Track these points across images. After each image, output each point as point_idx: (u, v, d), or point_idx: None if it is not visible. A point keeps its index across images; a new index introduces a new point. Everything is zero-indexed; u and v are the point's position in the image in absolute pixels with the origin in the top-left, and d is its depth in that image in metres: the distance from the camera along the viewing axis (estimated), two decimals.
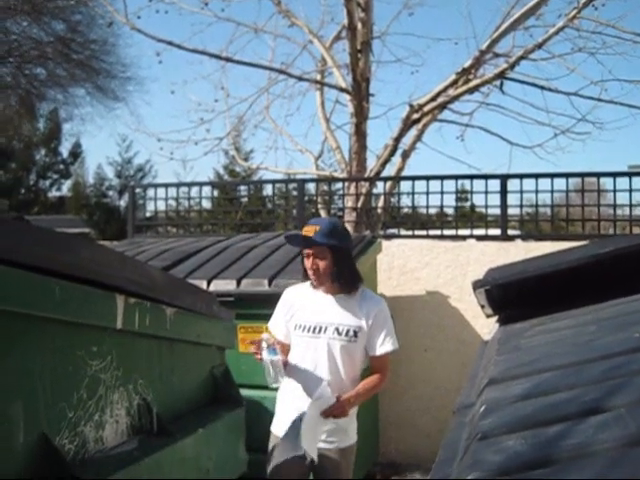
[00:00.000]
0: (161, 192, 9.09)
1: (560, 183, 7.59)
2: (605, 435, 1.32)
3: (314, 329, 3.60)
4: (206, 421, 3.47)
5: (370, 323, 3.60)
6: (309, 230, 3.54)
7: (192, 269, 5.42)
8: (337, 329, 3.58)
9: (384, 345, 3.64)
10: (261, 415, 4.72)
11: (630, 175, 7.75)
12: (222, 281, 5.12)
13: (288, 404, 3.63)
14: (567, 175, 7.73)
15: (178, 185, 9.68)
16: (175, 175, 26.87)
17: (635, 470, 1.15)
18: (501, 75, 10.60)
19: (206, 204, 11.00)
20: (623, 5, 25.89)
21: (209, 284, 5.10)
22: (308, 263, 3.58)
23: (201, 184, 9.42)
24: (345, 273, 3.61)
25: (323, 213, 9.73)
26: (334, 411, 3.43)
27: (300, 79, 11.55)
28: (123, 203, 30.04)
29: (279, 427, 3.63)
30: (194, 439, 3.26)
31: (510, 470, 1.28)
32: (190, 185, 9.45)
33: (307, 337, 3.61)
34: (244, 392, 4.18)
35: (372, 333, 3.62)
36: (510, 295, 4.05)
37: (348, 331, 3.57)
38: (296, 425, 3.37)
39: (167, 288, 3.22)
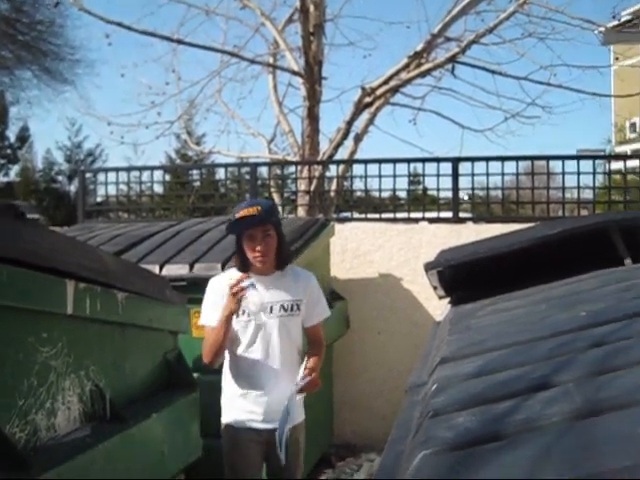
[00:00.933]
0: (112, 177, 8.95)
1: (510, 166, 7.71)
2: (553, 410, 1.35)
3: (259, 309, 3.59)
4: (160, 406, 3.45)
5: (307, 297, 3.72)
6: (252, 210, 3.47)
7: (144, 254, 5.36)
8: (283, 306, 3.63)
9: (321, 314, 3.84)
10: (216, 400, 4.71)
11: (578, 158, 7.89)
12: (175, 265, 5.08)
13: (244, 393, 3.62)
14: (517, 158, 7.83)
15: (129, 169, 9.55)
16: (126, 159, 26.46)
17: (581, 442, 1.18)
18: (453, 59, 10.65)
19: (158, 188, 10.89)
20: None
21: (161, 269, 5.05)
22: (254, 244, 3.49)
23: (153, 168, 9.31)
24: (285, 250, 3.73)
25: (276, 197, 9.71)
26: (312, 387, 3.54)
27: (252, 62, 11.45)
28: (73, 188, 29.51)
29: (235, 418, 3.64)
30: (148, 424, 3.24)
31: (461, 445, 1.30)
32: (141, 169, 9.33)
33: (255, 320, 3.58)
34: (198, 377, 4.16)
35: (310, 305, 3.73)
36: (462, 276, 4.10)
37: (292, 306, 3.65)
38: (284, 420, 3.37)
39: (119, 273, 3.19)
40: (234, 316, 3.49)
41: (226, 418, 3.68)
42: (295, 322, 3.69)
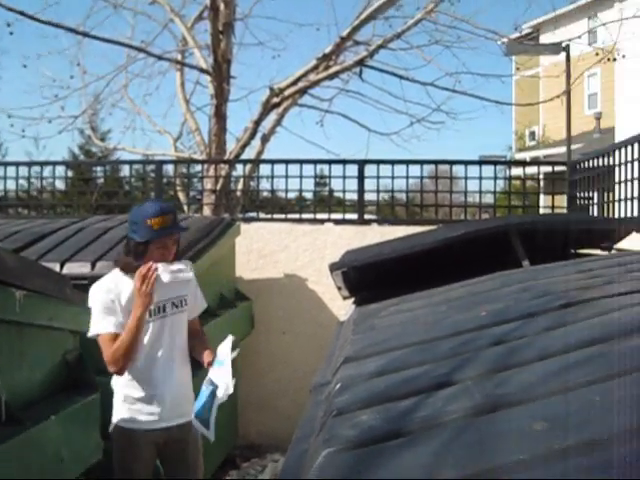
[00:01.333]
0: (11, 171, 8.68)
1: (415, 170, 7.87)
2: (453, 407, 1.38)
3: (157, 311, 3.55)
4: (59, 408, 3.35)
5: (191, 291, 3.75)
6: (169, 219, 3.52)
7: (45, 251, 5.20)
8: (173, 303, 3.62)
9: (201, 305, 3.90)
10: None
11: (480, 164, 8.12)
12: (76, 264, 4.94)
13: (140, 394, 3.55)
14: (422, 162, 8.00)
15: (30, 164, 9.27)
16: (27, 154, 25.61)
17: (479, 438, 1.21)
18: (361, 63, 10.78)
19: (60, 185, 10.58)
20: (478, 2, 26.92)
21: (62, 267, 4.91)
22: (165, 252, 3.52)
23: (54, 163, 9.06)
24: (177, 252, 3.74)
25: (182, 195, 9.59)
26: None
27: (160, 58, 11.27)
28: None
29: (130, 419, 3.55)
30: (46, 426, 3.14)
31: (364, 443, 1.31)
32: (43, 164, 9.06)
33: (151, 321, 3.53)
34: (99, 378, 4.07)
35: (192, 299, 3.77)
36: (366, 277, 4.15)
37: (181, 301, 3.65)
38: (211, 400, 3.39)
39: (17, 270, 3.08)
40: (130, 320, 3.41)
41: (119, 419, 3.58)
42: (183, 317, 3.68)
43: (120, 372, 3.47)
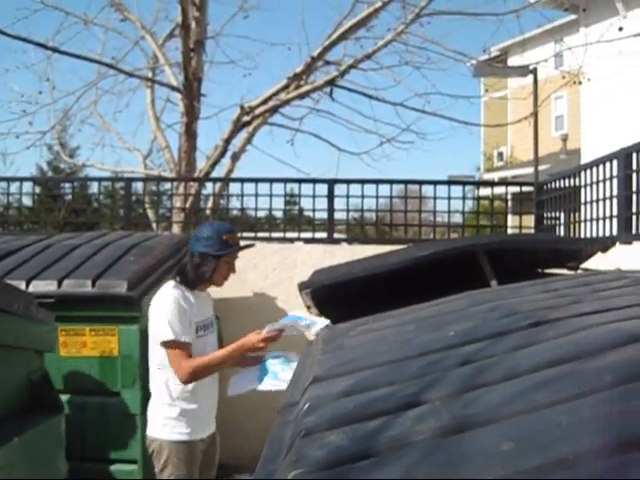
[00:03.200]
0: None
1: (385, 189, 7.90)
2: (421, 427, 1.38)
3: (206, 327, 3.87)
4: (22, 429, 3.30)
5: None
6: (238, 236, 4.08)
7: (10, 269, 5.13)
8: (211, 321, 3.99)
9: None
10: (82, 421, 4.55)
11: (449, 184, 8.19)
12: (42, 282, 4.89)
13: (194, 407, 3.77)
14: (391, 182, 8.05)
15: None
16: None
17: (447, 459, 1.21)
18: (331, 82, 10.84)
19: (27, 201, 10.46)
20: (447, 25, 27.28)
21: (28, 285, 4.85)
22: (231, 267, 3.95)
23: (21, 179, 8.97)
24: None
25: (150, 213, 9.54)
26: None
27: (130, 75, 11.25)
28: None
29: (188, 432, 3.75)
30: (9, 448, 3.09)
31: (332, 464, 1.30)
32: (9, 180, 8.96)
33: (204, 336, 3.83)
34: (64, 398, 4.01)
35: None
36: (335, 296, 4.15)
37: (214, 320, 4.05)
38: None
39: None
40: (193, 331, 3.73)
41: (176, 435, 3.73)
42: (216, 336, 4.06)
43: (186, 384, 3.68)
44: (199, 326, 3.78)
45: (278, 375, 3.70)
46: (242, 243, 4.08)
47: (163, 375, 3.72)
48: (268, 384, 3.68)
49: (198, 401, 3.78)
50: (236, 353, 3.71)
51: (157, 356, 3.73)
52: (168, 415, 3.72)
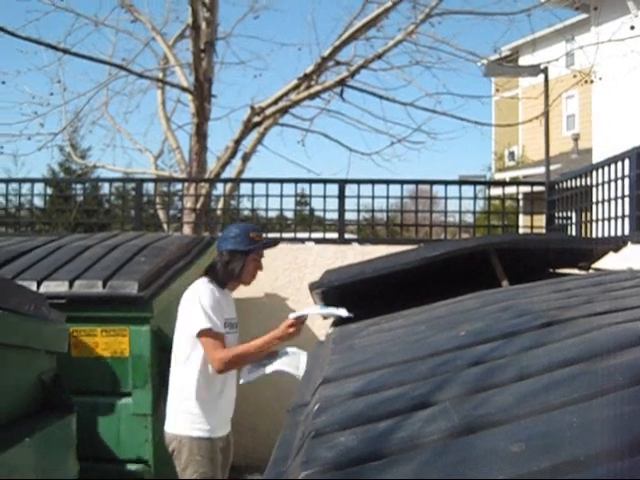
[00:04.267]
0: None
1: (395, 189, 7.94)
2: (432, 428, 1.37)
3: (232, 325, 3.95)
4: (34, 429, 3.31)
5: None
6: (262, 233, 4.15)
7: (21, 269, 5.15)
8: (236, 323, 4.04)
9: None
10: (94, 422, 4.57)
11: (460, 184, 8.17)
12: (53, 282, 4.89)
13: (216, 404, 3.85)
14: (402, 182, 8.02)
15: (7, 181, 9.20)
16: (5, 171, 25.51)
17: (457, 460, 1.21)
18: (342, 83, 10.83)
19: (38, 202, 10.51)
20: (457, 24, 27.24)
21: (39, 285, 4.86)
22: (259, 264, 4.05)
23: (33, 180, 8.99)
24: None
25: (161, 214, 9.56)
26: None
27: (141, 76, 11.26)
28: None
29: (210, 429, 3.79)
30: (21, 449, 3.10)
31: (342, 465, 1.30)
32: (21, 181, 8.99)
33: (231, 334, 3.89)
34: (76, 398, 4.02)
35: None
36: (346, 296, 4.14)
37: (237, 322, 4.06)
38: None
39: None
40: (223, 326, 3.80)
41: (197, 432, 3.76)
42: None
43: (222, 372, 3.74)
44: (228, 323, 3.86)
45: (289, 357, 3.85)
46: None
47: (188, 370, 3.77)
48: (277, 364, 3.80)
49: (220, 397, 3.85)
50: (271, 343, 3.80)
51: (184, 350, 3.79)
52: (190, 411, 3.76)
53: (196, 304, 3.74)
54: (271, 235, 8.02)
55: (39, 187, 9.02)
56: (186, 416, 3.77)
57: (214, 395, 3.82)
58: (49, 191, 10.51)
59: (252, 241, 3.95)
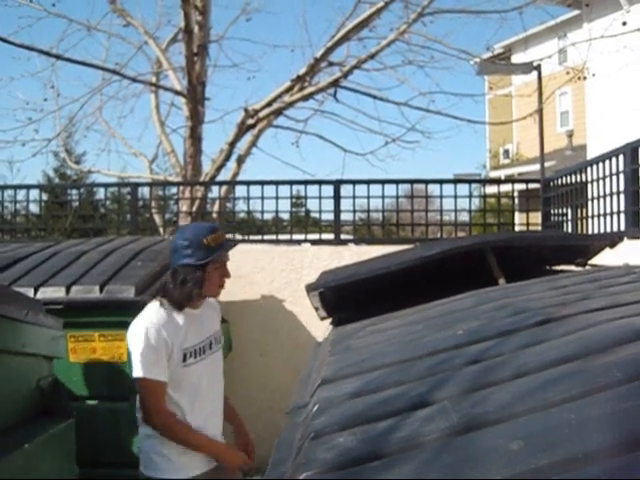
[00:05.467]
0: None
1: (391, 189, 7.95)
2: (430, 427, 1.37)
3: (203, 350, 3.28)
4: (32, 435, 3.30)
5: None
6: (222, 234, 3.34)
7: (18, 276, 5.15)
8: (215, 338, 3.40)
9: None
10: (93, 427, 4.56)
11: (455, 182, 8.17)
12: (50, 288, 4.89)
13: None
14: (397, 182, 8.03)
15: (3, 188, 9.18)
16: (1, 177, 25.50)
17: (457, 458, 1.21)
18: (335, 83, 10.85)
19: (34, 208, 10.47)
20: (449, 23, 27.28)
21: (36, 291, 4.86)
22: (224, 272, 3.32)
23: (28, 187, 8.99)
24: None
25: (157, 218, 9.55)
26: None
27: (134, 80, 11.28)
28: None
29: (190, 473, 3.20)
30: (20, 455, 3.09)
31: (342, 466, 1.30)
32: (16, 188, 8.99)
33: (199, 362, 3.25)
34: (74, 404, 4.02)
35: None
36: (343, 297, 4.14)
37: (218, 337, 3.46)
38: None
39: None
40: (180, 360, 3.16)
41: (175, 471, 3.18)
42: (220, 354, 3.50)
43: (149, 425, 3.17)
44: (189, 352, 3.20)
45: None
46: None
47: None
48: None
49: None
50: (212, 452, 3.23)
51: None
52: (157, 450, 3.20)
53: (131, 345, 3.14)
54: (267, 237, 8.03)
55: (34, 193, 9.06)
56: (152, 456, 3.21)
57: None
58: (45, 197, 10.48)
59: (208, 249, 3.15)
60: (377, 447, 1.35)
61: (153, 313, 3.18)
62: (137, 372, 3.09)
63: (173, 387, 3.16)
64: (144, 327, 3.11)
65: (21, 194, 8.75)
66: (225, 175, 10.71)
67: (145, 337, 3.07)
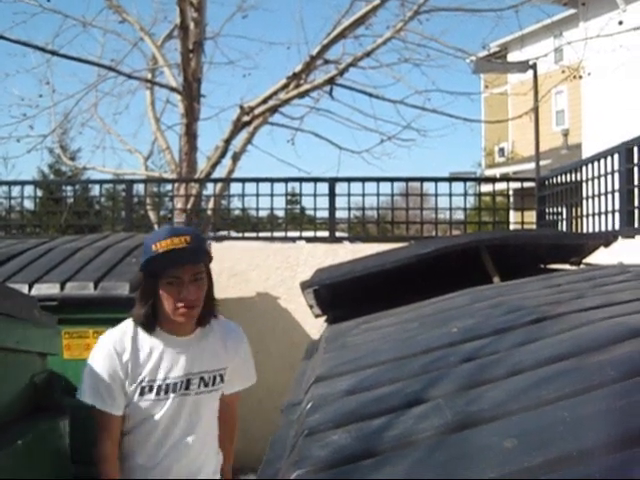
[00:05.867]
0: None
1: (386, 187, 7.90)
2: (425, 424, 1.37)
3: (173, 388, 2.66)
4: (26, 432, 3.29)
5: (236, 360, 2.87)
6: (179, 241, 2.48)
7: (12, 272, 5.13)
8: (203, 379, 2.71)
9: (248, 380, 3.03)
10: (87, 424, 4.55)
11: (450, 181, 8.18)
12: (45, 285, 4.87)
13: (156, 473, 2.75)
14: (392, 180, 8.04)
15: None
16: None
17: (451, 456, 1.21)
18: (331, 81, 10.84)
19: (29, 204, 10.47)
20: (445, 21, 27.32)
21: (31, 288, 4.85)
22: (179, 291, 2.54)
23: (23, 183, 8.96)
24: (214, 299, 2.80)
25: (152, 215, 9.54)
26: None
27: (130, 77, 11.25)
28: None
29: None
30: (13, 452, 3.08)
31: (335, 463, 1.30)
32: (11, 184, 8.96)
33: (163, 402, 2.67)
34: (69, 400, 4.01)
35: (236, 370, 2.89)
36: (338, 295, 4.14)
37: (215, 378, 2.75)
38: None
39: None
40: (136, 393, 2.67)
41: None
42: (215, 398, 2.84)
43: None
44: (151, 386, 2.65)
45: None
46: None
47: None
48: None
49: (154, 468, 2.75)
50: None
51: None
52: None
53: (89, 360, 2.74)
54: (262, 234, 8.01)
55: (29, 189, 9.05)
56: None
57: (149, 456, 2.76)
58: (39, 193, 10.47)
59: (155, 258, 2.51)
60: (371, 445, 1.35)
61: (120, 332, 2.69)
62: (85, 396, 2.71)
63: (129, 419, 2.75)
64: (105, 348, 2.65)
65: (16, 190, 8.73)
66: (220, 172, 10.71)
67: (102, 359, 2.64)
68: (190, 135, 10.17)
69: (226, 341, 2.82)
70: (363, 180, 7.86)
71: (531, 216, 8.15)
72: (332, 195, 7.74)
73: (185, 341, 2.70)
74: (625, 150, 5.52)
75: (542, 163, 10.74)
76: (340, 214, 8.01)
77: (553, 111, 22.93)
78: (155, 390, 2.63)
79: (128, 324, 2.70)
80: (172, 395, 2.65)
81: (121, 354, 2.63)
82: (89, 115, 12.37)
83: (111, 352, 2.63)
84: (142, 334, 2.66)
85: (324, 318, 4.34)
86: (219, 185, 9.47)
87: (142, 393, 2.64)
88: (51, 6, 10.83)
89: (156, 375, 2.64)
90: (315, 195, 7.78)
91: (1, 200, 8.80)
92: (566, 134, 21.13)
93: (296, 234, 7.93)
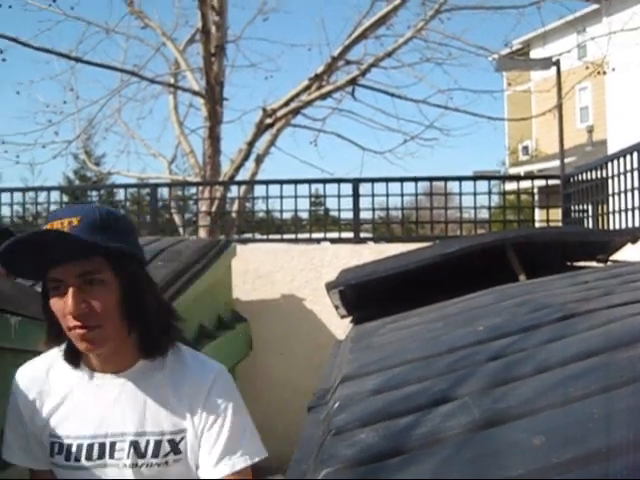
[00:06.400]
0: (6, 197, 8.65)
1: (410, 187, 7.87)
2: (452, 423, 1.37)
3: (87, 454, 1.65)
4: None
5: (205, 418, 1.66)
6: (62, 225, 1.57)
7: None
8: (135, 446, 1.64)
9: (249, 454, 1.80)
10: None
11: (475, 179, 8.14)
12: None
13: None
14: (416, 179, 8.01)
15: (24, 190, 9.25)
16: (22, 180, 25.74)
17: (479, 454, 1.20)
18: (353, 82, 10.84)
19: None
20: (466, 20, 27.20)
21: None
22: (63, 301, 1.60)
23: (49, 189, 9.04)
24: (149, 312, 1.68)
25: (177, 218, 9.59)
26: None
27: (153, 82, 11.33)
28: None
29: None
30: None
31: (363, 462, 1.30)
32: (37, 190, 9.06)
33: (80, 472, 1.66)
34: None
35: (213, 436, 1.67)
36: (363, 295, 4.14)
37: (158, 444, 1.64)
38: None
39: (11, 296, 3.06)
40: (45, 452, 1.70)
41: None
42: (171, 474, 1.66)
43: None
44: (60, 444, 1.67)
45: None
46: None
47: None
48: None
49: None
50: None
51: None
52: None
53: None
54: (287, 236, 8.02)
55: (55, 195, 9.09)
56: None
57: None
58: (65, 199, 10.56)
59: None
60: (398, 443, 1.35)
61: (34, 366, 1.84)
62: (5, 454, 1.78)
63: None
64: (15, 386, 1.79)
65: (42, 196, 8.83)
66: (244, 175, 10.74)
67: (12, 401, 1.77)
68: (213, 138, 10.21)
69: (181, 387, 1.67)
70: (387, 180, 7.84)
71: (556, 214, 8.08)
72: (356, 196, 7.73)
73: (114, 382, 1.69)
74: None
75: (567, 160, 10.66)
76: (364, 215, 8.00)
77: (577, 108, 22.74)
78: (65, 452, 1.67)
79: (53, 353, 1.79)
80: (86, 463, 1.65)
81: (35, 398, 1.74)
82: (113, 120, 12.48)
83: (22, 392, 1.75)
84: (63, 368, 1.75)
85: (349, 318, 4.34)
86: (243, 187, 9.50)
87: (52, 453, 1.69)
88: (74, 13, 10.94)
89: (65, 430, 1.68)
90: (339, 196, 7.78)
91: (28, 206, 8.86)
92: (591, 131, 20.94)
93: (320, 235, 7.93)
